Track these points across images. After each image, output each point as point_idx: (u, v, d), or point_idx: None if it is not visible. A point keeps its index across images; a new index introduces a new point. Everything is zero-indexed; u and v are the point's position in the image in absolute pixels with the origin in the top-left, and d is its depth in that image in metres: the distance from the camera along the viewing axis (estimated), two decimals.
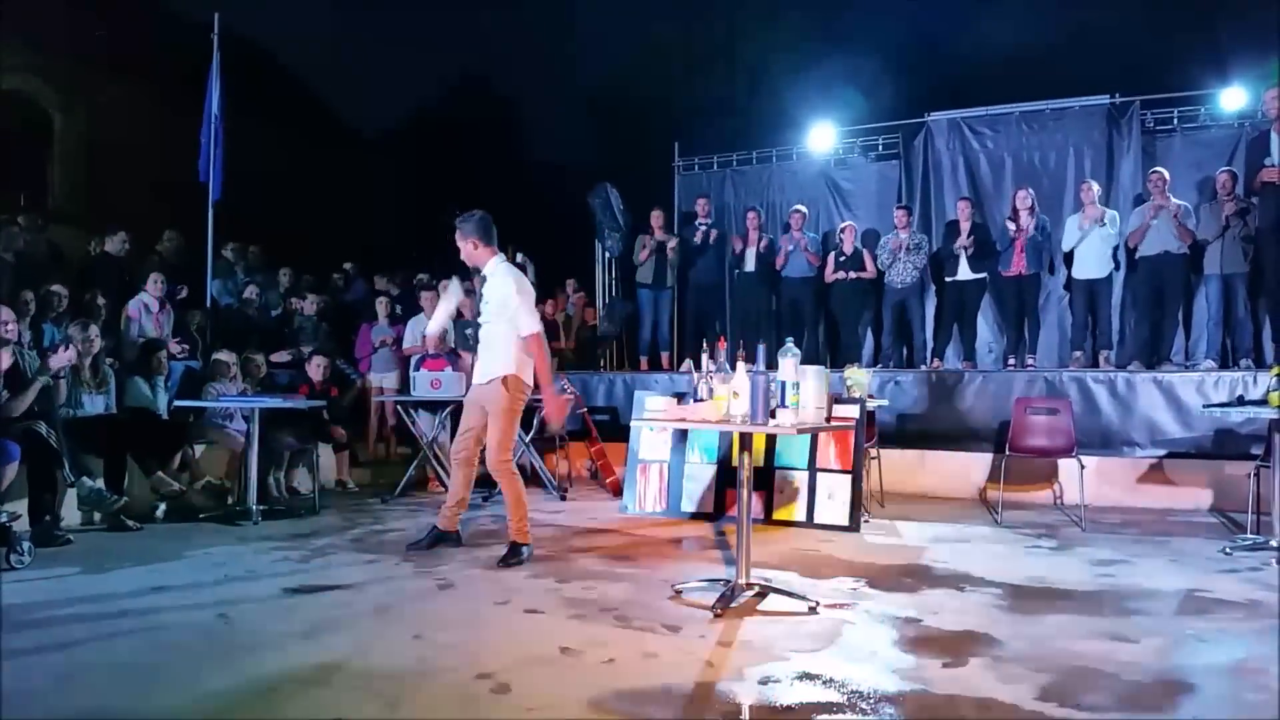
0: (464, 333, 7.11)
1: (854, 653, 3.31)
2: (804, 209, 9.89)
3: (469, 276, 5.34)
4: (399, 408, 7.92)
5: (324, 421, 7.45)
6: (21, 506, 5.02)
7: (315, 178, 17.35)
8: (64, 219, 13.20)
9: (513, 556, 4.85)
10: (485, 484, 6.44)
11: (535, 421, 7.63)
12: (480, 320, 5.01)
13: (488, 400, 4.89)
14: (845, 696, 2.85)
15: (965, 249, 8.80)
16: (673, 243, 9.87)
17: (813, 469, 6.26)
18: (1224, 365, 7.89)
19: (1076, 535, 5.87)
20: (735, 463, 4.49)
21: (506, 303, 4.81)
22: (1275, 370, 5.21)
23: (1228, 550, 5.23)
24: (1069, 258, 8.66)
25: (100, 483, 5.75)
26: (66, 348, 5.58)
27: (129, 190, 13.96)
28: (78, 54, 14.92)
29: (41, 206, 13.98)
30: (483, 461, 5.08)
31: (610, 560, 5.01)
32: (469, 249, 4.95)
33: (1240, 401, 6.39)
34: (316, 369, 7.65)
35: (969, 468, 7.57)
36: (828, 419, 4.11)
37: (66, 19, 14.29)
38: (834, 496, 6.12)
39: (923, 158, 10.29)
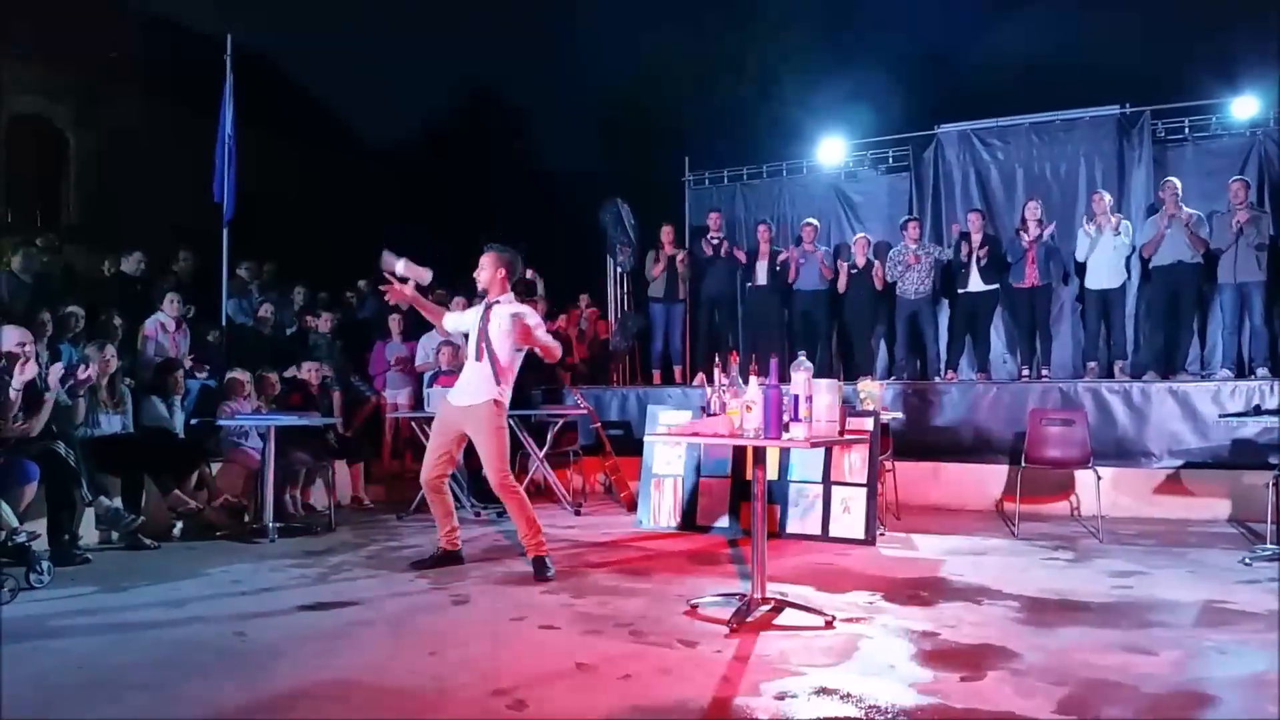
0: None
1: (871, 667, 3.30)
2: (815, 222, 9.90)
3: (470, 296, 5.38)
4: (413, 424, 7.95)
5: (334, 433, 7.49)
6: (40, 526, 5.05)
7: (326, 191, 17.44)
8: (79, 238, 13.33)
9: (543, 570, 4.88)
10: (497, 500, 6.45)
11: (550, 436, 7.65)
12: (468, 345, 5.04)
13: (472, 421, 4.93)
14: (863, 711, 2.84)
15: (979, 260, 8.81)
16: (681, 255, 9.89)
17: (827, 482, 6.25)
18: (1240, 374, 7.84)
19: (1094, 547, 5.83)
20: (749, 476, 4.48)
21: (512, 331, 4.82)
22: None
23: (1247, 561, 5.18)
24: (1081, 268, 8.64)
25: (118, 502, 5.78)
26: (86, 366, 5.63)
27: (142, 208, 14.08)
28: (90, 71, 15.08)
29: (57, 226, 14.13)
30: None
31: (625, 575, 5.01)
32: (495, 274, 4.98)
33: (1257, 411, 6.36)
34: (309, 373, 7.69)
35: (984, 480, 7.54)
36: (841, 432, 4.10)
37: (78, 37, 14.45)
38: (849, 510, 6.10)
39: (933, 170, 10.27)
